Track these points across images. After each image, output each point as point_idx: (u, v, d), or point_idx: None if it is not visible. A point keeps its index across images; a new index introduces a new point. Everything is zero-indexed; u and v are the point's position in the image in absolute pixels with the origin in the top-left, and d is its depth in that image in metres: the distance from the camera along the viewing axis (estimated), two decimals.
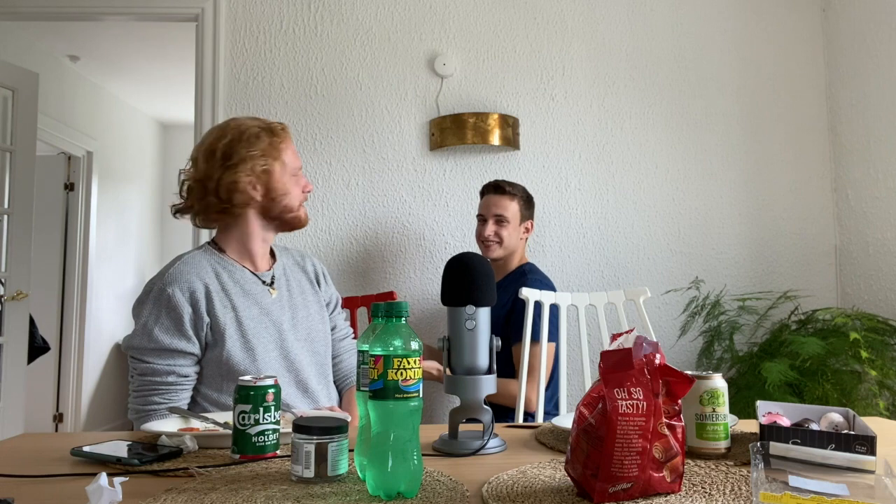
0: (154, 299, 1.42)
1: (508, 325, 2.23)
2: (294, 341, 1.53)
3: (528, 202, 2.42)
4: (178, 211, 1.56)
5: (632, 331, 0.87)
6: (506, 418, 2.16)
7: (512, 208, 2.36)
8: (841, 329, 2.34)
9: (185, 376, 1.42)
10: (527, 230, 2.42)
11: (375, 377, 0.83)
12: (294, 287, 1.60)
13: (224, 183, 1.47)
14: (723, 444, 1.00)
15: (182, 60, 4.39)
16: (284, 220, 1.57)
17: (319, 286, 1.68)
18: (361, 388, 0.93)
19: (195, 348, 1.43)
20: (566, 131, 2.85)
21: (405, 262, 2.79)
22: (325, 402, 1.56)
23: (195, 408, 1.45)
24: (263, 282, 1.55)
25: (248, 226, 1.54)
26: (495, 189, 2.39)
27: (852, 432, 0.97)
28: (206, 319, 1.43)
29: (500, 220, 2.35)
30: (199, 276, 1.46)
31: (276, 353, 1.49)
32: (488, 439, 1.06)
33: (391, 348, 0.84)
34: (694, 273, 2.81)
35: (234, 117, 1.59)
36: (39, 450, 1.11)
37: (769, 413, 1.10)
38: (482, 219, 2.40)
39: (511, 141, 2.76)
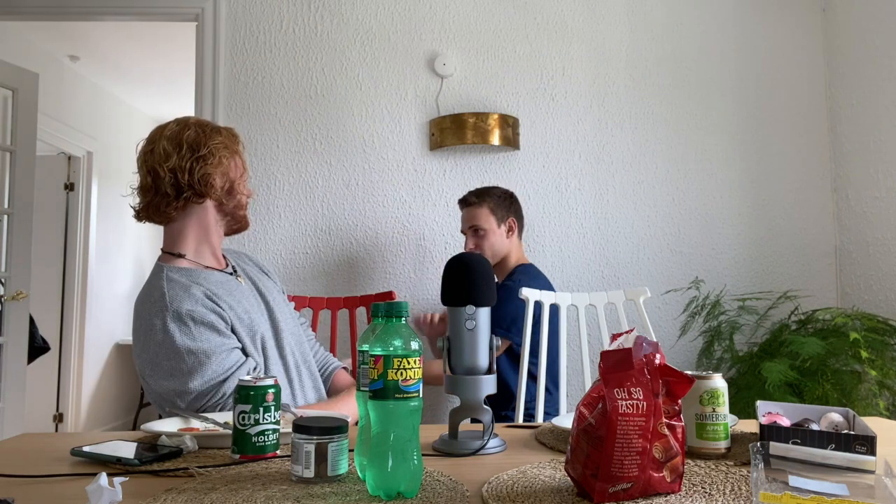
0: (177, 329, 1.34)
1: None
2: (285, 329, 1.55)
3: (501, 202, 2.39)
4: (140, 211, 1.51)
5: (632, 331, 0.87)
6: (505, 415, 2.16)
7: (483, 216, 2.37)
8: (841, 329, 2.34)
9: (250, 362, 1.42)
10: (510, 229, 2.40)
11: (375, 377, 0.83)
12: (255, 279, 1.61)
13: (197, 174, 1.46)
14: (723, 444, 1.00)
15: (182, 60, 4.39)
16: (236, 217, 1.57)
17: (269, 277, 1.69)
18: (361, 388, 0.93)
19: (238, 343, 1.42)
20: (566, 131, 2.85)
21: (405, 262, 2.79)
22: (308, 384, 1.56)
23: None
24: (229, 274, 1.55)
25: (207, 218, 1.52)
26: (464, 203, 2.43)
27: (852, 432, 0.97)
28: (226, 320, 1.43)
29: (477, 231, 2.37)
30: (192, 291, 1.41)
31: (271, 343, 1.50)
32: (488, 439, 1.06)
33: (391, 348, 0.84)
34: (694, 273, 2.81)
35: (184, 115, 1.59)
36: (39, 450, 1.11)
37: (769, 413, 1.10)
38: (464, 233, 2.44)
39: (511, 141, 2.76)
